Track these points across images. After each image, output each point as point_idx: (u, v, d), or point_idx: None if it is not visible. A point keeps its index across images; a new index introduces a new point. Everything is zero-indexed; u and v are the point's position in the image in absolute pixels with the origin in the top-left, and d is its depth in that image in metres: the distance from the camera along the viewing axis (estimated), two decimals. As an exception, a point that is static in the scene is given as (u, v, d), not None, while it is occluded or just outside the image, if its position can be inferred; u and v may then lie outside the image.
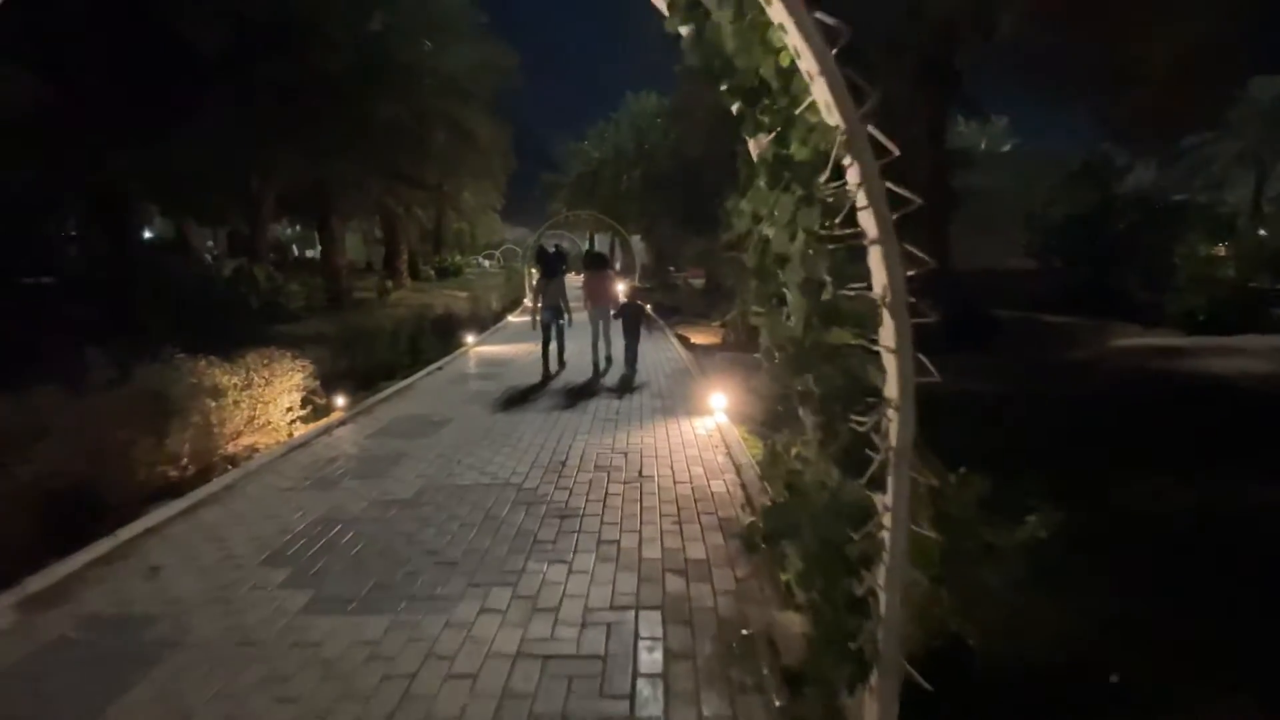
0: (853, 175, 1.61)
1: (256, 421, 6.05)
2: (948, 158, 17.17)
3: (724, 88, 2.06)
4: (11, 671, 2.55)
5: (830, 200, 1.64)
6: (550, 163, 34.33)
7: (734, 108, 2.12)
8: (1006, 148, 39.28)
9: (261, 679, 2.44)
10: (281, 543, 3.63)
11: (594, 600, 2.96)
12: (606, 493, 4.30)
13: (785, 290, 2.05)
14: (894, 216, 1.58)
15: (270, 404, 6.13)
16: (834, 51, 1.56)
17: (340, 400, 6.85)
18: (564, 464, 4.91)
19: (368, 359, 9.19)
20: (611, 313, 8.92)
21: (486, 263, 39.22)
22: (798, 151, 1.68)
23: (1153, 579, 3.29)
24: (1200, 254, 15.59)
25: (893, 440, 1.64)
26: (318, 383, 6.82)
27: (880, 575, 1.73)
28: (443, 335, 12.12)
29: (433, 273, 29.84)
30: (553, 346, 8.88)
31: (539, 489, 4.39)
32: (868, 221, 1.61)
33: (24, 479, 3.77)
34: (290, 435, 6.14)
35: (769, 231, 1.97)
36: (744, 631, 2.68)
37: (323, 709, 2.26)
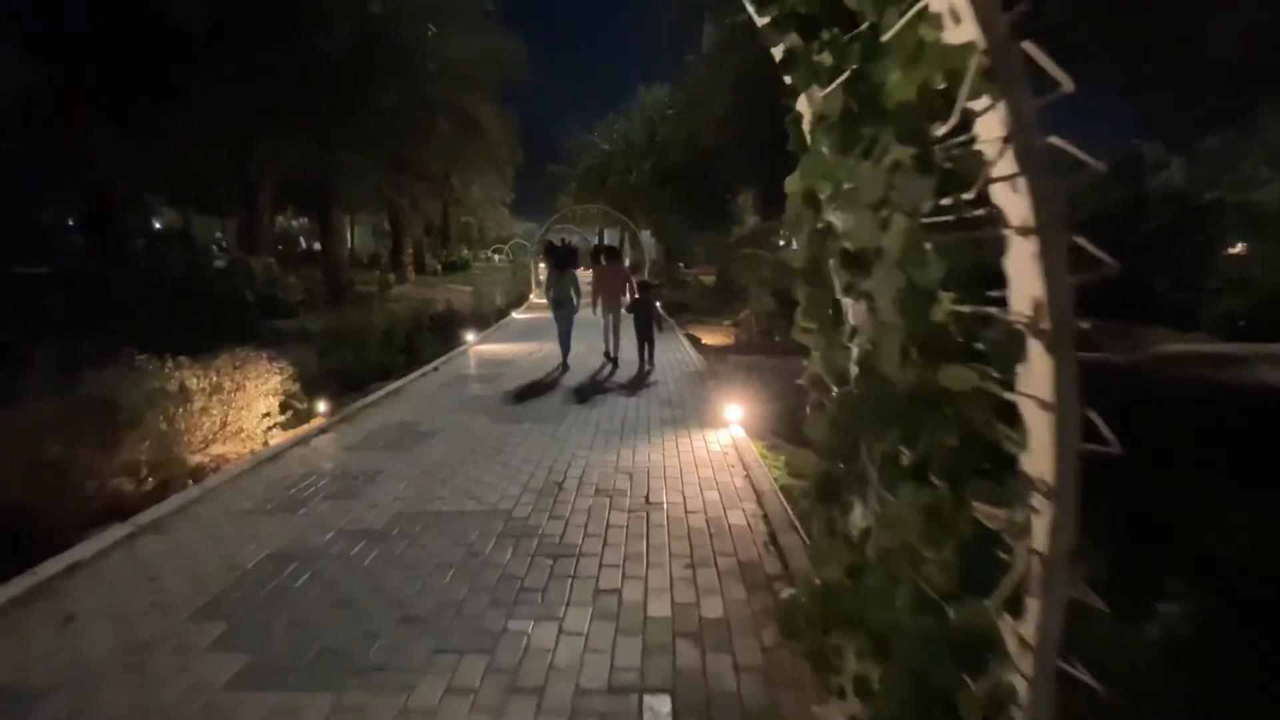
0: (990, 127, 1.01)
1: (229, 429, 5.53)
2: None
3: (768, 19, 1.47)
4: None
5: (950, 166, 1.04)
6: (559, 158, 33.67)
7: (780, 51, 1.53)
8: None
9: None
10: (224, 585, 3.09)
11: (588, 677, 2.39)
12: (608, 524, 3.73)
13: (848, 299, 1.46)
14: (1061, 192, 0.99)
15: (244, 410, 5.61)
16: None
17: (323, 405, 6.31)
18: (560, 486, 4.35)
19: (359, 358, 8.67)
20: (623, 309, 8.68)
21: (496, 257, 38.71)
22: (897, 88, 1.08)
23: None
24: (1240, 255, 14.77)
25: (1040, 542, 1.05)
26: (298, 385, 6.30)
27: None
28: (442, 332, 11.59)
29: (439, 267, 29.40)
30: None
31: (530, 519, 3.82)
32: (1012, 199, 1.02)
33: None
34: (266, 444, 5.62)
35: (834, 216, 1.38)
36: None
37: None
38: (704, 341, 11.88)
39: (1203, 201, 19.74)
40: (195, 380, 5.29)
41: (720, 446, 5.18)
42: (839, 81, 1.36)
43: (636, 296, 8.65)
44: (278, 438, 5.74)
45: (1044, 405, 1.02)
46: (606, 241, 25.62)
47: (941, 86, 1.02)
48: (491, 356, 9.98)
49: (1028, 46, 0.95)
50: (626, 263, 13.83)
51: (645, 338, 8.49)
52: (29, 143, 10.35)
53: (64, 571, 3.21)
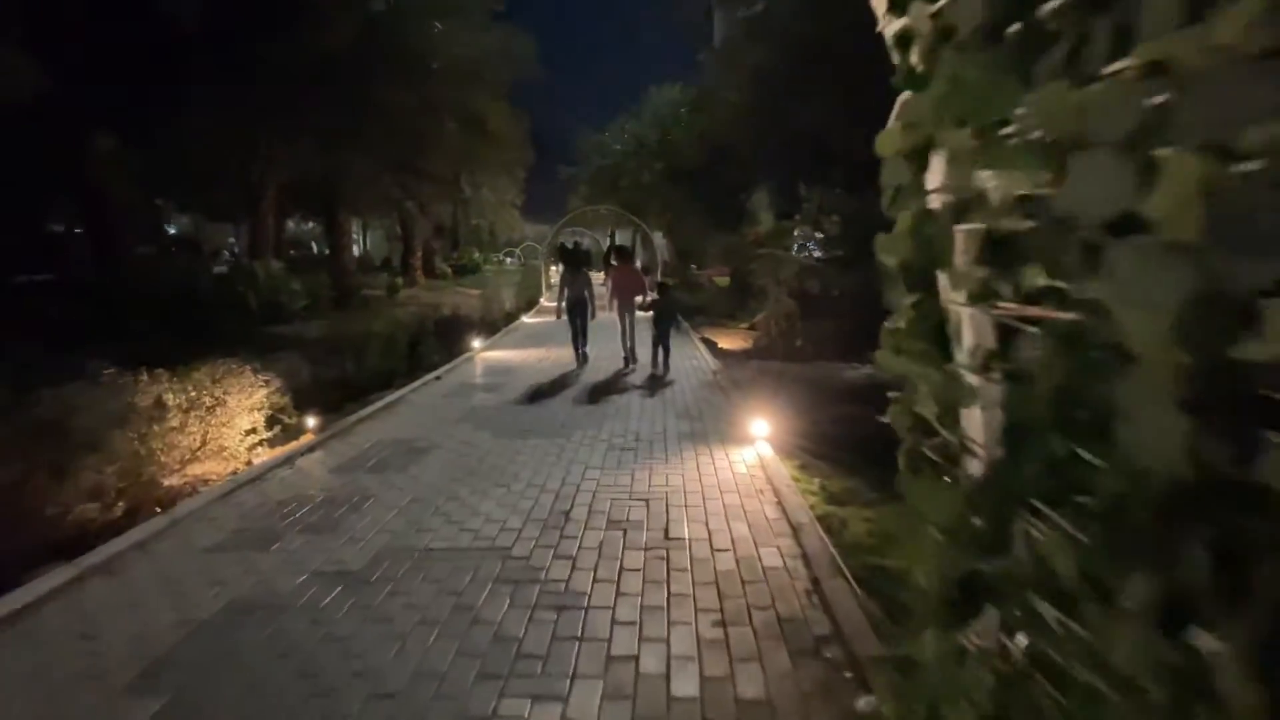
0: None
1: (209, 447, 5.10)
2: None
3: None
4: None
5: None
6: (571, 159, 33.25)
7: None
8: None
9: None
10: (171, 646, 2.62)
11: (597, 787, 1.88)
12: (621, 566, 3.21)
13: (965, 308, 0.95)
14: None
15: (225, 426, 5.17)
16: None
17: (312, 421, 5.86)
18: (567, 516, 3.84)
19: (359, 366, 8.25)
20: (638, 310, 8.47)
21: (509, 260, 38.34)
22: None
23: None
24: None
25: None
26: (287, 399, 5.85)
27: None
28: (447, 338, 11.16)
29: (449, 270, 29.11)
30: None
31: (531, 558, 3.32)
32: None
33: None
34: (249, 463, 5.18)
35: (992, 182, 0.86)
36: None
37: None
38: (721, 345, 11.32)
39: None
40: (171, 395, 4.87)
41: (746, 467, 4.65)
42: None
43: (654, 297, 8.40)
44: (262, 456, 5.30)
45: None
46: (618, 242, 25.11)
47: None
48: (498, 364, 9.51)
49: None
50: (638, 264, 13.39)
51: (661, 341, 8.07)
52: (27, 145, 10.06)
53: (-10, 626, 2.77)
